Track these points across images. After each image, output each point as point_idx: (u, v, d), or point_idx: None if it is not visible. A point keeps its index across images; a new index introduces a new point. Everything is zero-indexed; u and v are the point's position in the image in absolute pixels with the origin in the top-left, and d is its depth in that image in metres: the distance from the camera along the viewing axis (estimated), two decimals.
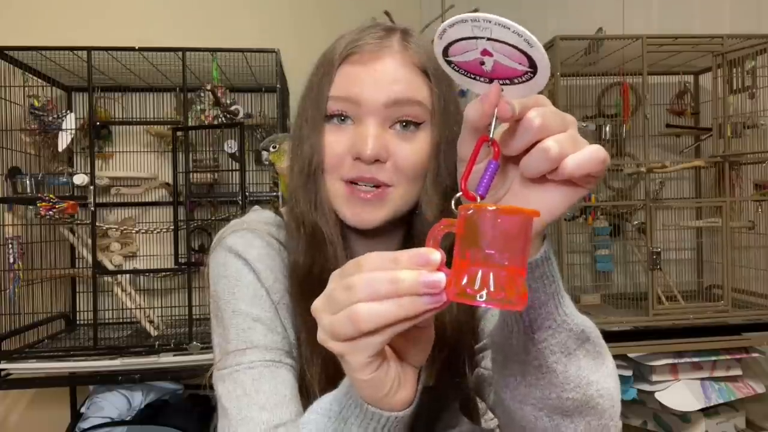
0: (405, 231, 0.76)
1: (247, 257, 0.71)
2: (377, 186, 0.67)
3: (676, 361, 1.94)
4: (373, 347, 0.43)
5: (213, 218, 2.08)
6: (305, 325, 0.70)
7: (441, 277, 0.40)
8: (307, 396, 0.68)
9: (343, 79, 0.68)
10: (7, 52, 1.74)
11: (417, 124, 0.68)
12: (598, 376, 0.56)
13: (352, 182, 0.68)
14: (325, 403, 0.55)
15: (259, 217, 0.78)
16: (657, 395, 1.92)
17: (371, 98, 0.66)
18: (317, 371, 0.69)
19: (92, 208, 1.72)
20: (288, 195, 0.74)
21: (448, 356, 0.74)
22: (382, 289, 0.40)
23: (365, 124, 0.67)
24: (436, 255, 0.41)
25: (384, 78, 0.66)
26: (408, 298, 0.40)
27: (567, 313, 0.54)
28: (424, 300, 0.40)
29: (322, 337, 0.44)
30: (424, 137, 0.69)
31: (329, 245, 0.69)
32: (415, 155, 0.68)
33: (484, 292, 0.40)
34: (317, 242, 0.69)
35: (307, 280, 0.69)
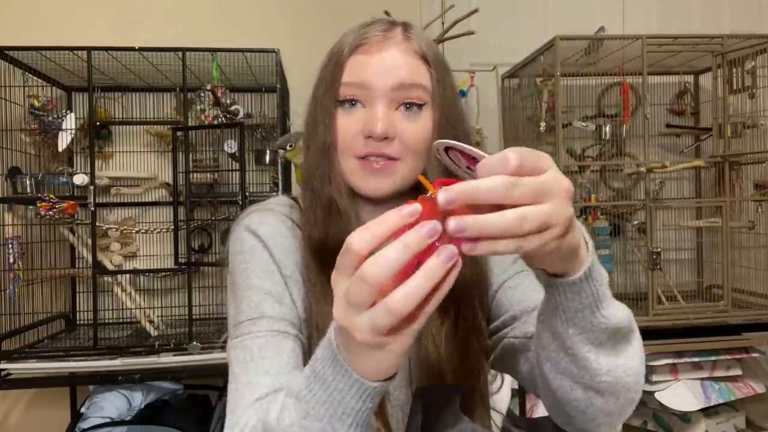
0: None
1: (260, 234, 0.77)
2: (387, 159, 0.75)
3: (676, 361, 1.94)
4: (415, 332, 0.45)
5: (213, 218, 2.09)
6: (317, 296, 0.75)
7: (435, 224, 0.42)
8: None
9: (354, 67, 0.75)
10: (7, 52, 1.74)
11: (419, 106, 0.76)
12: (624, 358, 0.61)
13: (364, 158, 0.75)
14: (298, 384, 0.55)
15: (275, 200, 0.85)
16: (657, 395, 1.92)
17: (380, 83, 0.74)
18: None
19: (92, 208, 1.72)
20: (304, 174, 0.80)
21: (456, 319, 0.77)
22: (397, 260, 0.42)
23: (374, 107, 0.74)
24: (416, 205, 0.43)
25: (391, 65, 0.74)
26: (431, 263, 0.42)
27: (604, 315, 0.57)
28: (442, 259, 0.42)
29: (366, 337, 0.45)
30: (426, 117, 0.76)
31: (343, 216, 0.75)
32: (418, 132, 0.75)
33: None
34: (332, 213, 0.75)
35: (321, 251, 0.75)
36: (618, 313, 0.59)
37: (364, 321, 0.44)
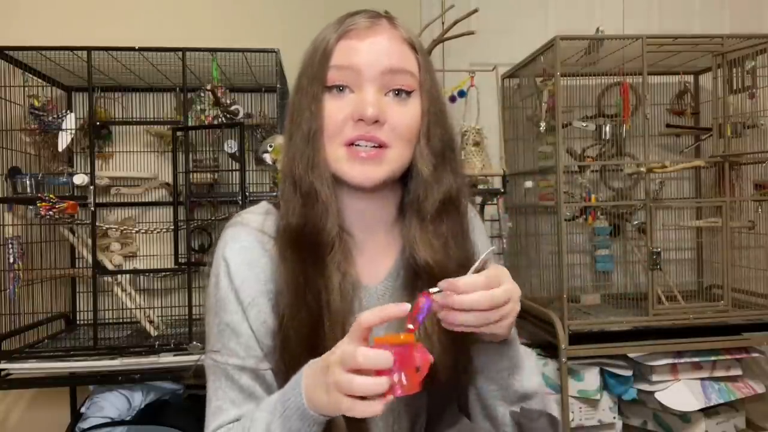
0: (400, 195, 0.83)
1: (227, 256, 0.77)
2: (376, 146, 0.74)
3: (676, 361, 1.94)
4: (347, 409, 0.59)
5: (213, 218, 2.08)
6: (291, 288, 0.74)
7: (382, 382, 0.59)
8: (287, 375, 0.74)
9: (343, 52, 0.75)
10: (7, 52, 1.74)
11: (408, 92, 0.76)
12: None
13: (353, 144, 0.74)
14: (270, 403, 0.68)
15: (253, 210, 0.84)
16: (657, 395, 1.92)
17: (370, 66, 0.73)
18: (300, 342, 0.74)
19: (92, 208, 1.72)
20: (284, 165, 0.79)
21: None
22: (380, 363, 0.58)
23: (365, 90, 0.74)
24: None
25: (380, 49, 0.74)
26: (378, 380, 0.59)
27: (517, 380, 0.78)
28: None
29: (332, 382, 0.60)
30: (414, 104, 0.76)
31: (321, 204, 0.74)
32: (408, 118, 0.75)
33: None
34: (311, 202, 0.75)
35: (298, 240, 0.75)
36: (530, 382, 0.77)
37: (336, 376, 0.59)
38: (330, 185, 0.75)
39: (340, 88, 0.74)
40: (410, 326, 0.63)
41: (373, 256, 0.82)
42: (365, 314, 0.60)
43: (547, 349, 2.02)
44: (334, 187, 0.76)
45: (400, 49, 0.76)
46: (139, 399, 1.82)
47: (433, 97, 0.78)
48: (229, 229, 0.80)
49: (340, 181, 0.76)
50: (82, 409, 1.83)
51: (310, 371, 0.65)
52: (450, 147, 0.79)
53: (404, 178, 0.80)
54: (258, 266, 0.77)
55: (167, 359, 1.67)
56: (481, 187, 2.06)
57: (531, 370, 0.78)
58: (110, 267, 1.96)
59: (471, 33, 2.08)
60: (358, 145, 0.73)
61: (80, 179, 1.76)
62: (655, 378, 1.93)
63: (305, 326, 0.73)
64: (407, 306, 0.61)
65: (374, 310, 0.60)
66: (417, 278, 0.78)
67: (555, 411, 0.80)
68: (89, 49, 1.71)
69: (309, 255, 0.74)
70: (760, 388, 2.01)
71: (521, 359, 0.77)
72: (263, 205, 0.84)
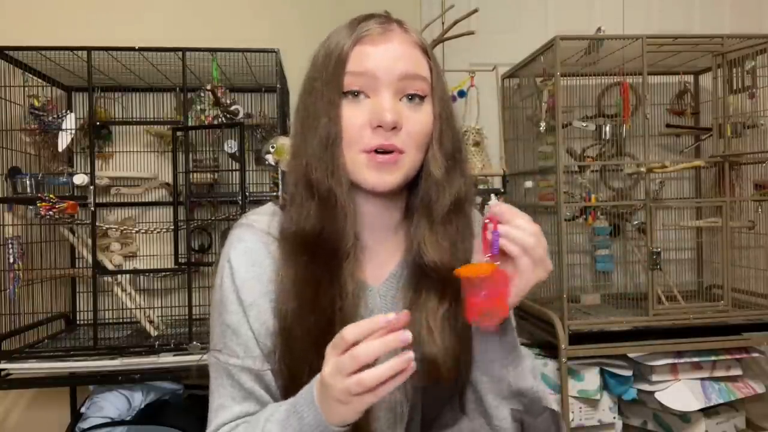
0: (407, 199, 0.84)
1: (231, 258, 0.78)
2: (392, 152, 0.74)
3: (676, 361, 1.94)
4: (373, 401, 0.62)
5: (213, 218, 2.09)
6: (297, 292, 0.75)
7: (408, 334, 0.61)
8: (292, 376, 0.75)
9: (358, 58, 0.75)
10: (7, 52, 1.74)
11: (422, 97, 0.77)
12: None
13: (372, 151, 0.74)
14: (282, 414, 0.69)
15: (259, 211, 0.85)
16: (657, 395, 1.92)
17: (386, 72, 0.74)
18: (308, 345, 0.74)
19: (92, 208, 1.72)
20: (298, 168, 0.77)
21: (454, 309, 0.79)
22: (379, 350, 0.60)
23: (382, 96, 0.74)
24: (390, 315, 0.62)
25: (396, 55, 0.75)
26: (393, 362, 0.60)
27: (512, 374, 0.78)
28: (401, 360, 0.60)
29: (340, 396, 0.61)
30: (427, 109, 0.77)
31: (341, 210, 0.75)
32: (422, 124, 0.76)
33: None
34: (330, 207, 0.75)
35: (313, 245, 0.75)
36: (524, 381, 0.78)
37: (342, 384, 0.60)
38: (348, 191, 0.75)
39: (356, 94, 0.75)
40: (487, 257, 0.68)
41: (378, 258, 0.82)
42: (349, 329, 0.61)
43: (547, 349, 2.02)
44: (350, 191, 0.76)
45: (414, 54, 0.76)
46: (139, 399, 1.82)
47: (444, 100, 0.79)
48: (235, 230, 0.81)
49: (355, 185, 0.77)
50: (82, 409, 1.83)
51: (318, 392, 0.66)
52: (459, 149, 0.80)
53: (409, 181, 0.80)
54: (261, 267, 0.77)
55: (167, 359, 1.67)
56: (481, 187, 2.06)
57: (526, 369, 0.79)
58: (110, 267, 1.96)
59: (471, 33, 2.08)
60: (377, 151, 0.74)
61: (80, 179, 1.76)
62: (655, 378, 1.93)
63: (315, 329, 0.73)
64: (392, 315, 0.61)
65: (360, 324, 0.62)
66: (420, 278, 0.78)
67: (555, 406, 0.79)
68: (89, 49, 1.71)
69: (324, 260, 0.75)
70: (760, 388, 2.01)
71: (517, 356, 0.78)
72: (269, 207, 0.84)
